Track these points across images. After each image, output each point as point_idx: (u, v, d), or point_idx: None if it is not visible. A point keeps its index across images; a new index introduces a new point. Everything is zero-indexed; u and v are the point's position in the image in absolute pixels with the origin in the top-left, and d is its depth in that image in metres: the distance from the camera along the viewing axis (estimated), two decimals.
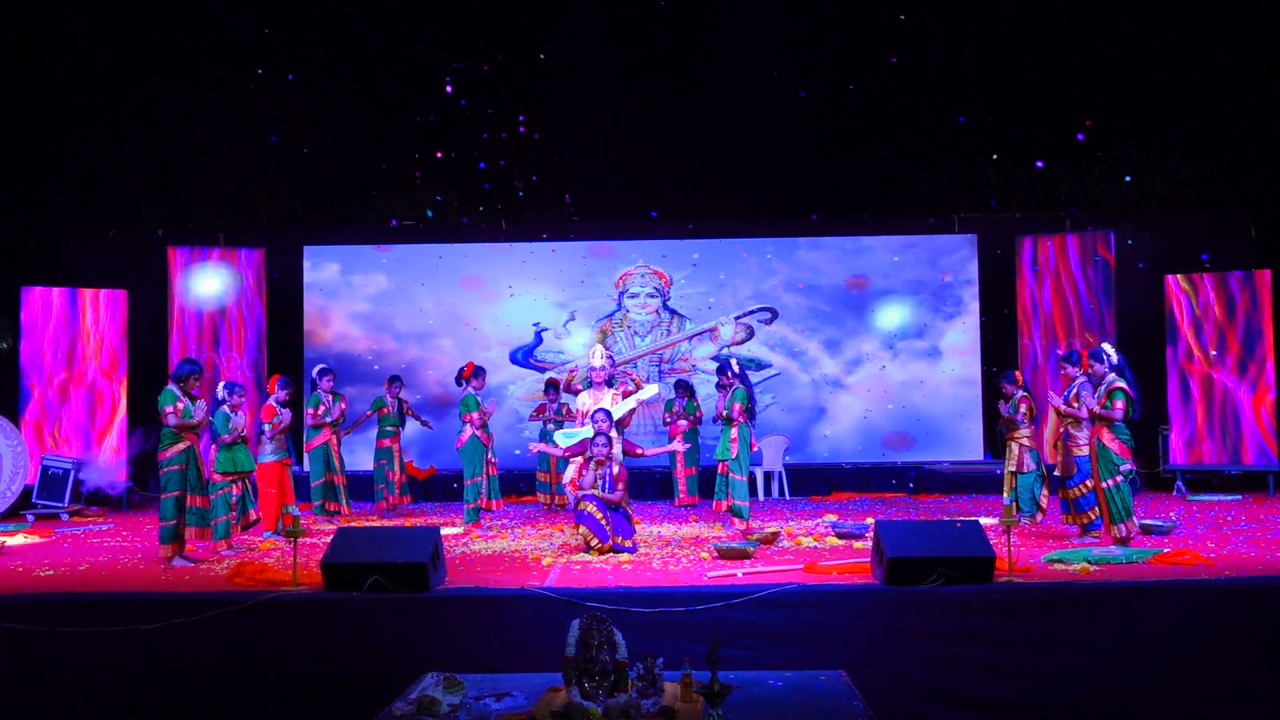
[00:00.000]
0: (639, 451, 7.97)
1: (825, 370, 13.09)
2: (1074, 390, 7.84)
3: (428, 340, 13.11)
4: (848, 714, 4.05)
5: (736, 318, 13.32)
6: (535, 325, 13.22)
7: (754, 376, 12.82)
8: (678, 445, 8.84)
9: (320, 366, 10.04)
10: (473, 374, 9.33)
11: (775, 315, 13.26)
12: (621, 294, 13.35)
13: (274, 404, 8.89)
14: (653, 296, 13.38)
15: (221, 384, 8.15)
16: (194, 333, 12.31)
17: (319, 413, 9.68)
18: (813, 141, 16.56)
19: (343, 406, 9.97)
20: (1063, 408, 7.78)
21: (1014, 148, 15.94)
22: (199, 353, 12.11)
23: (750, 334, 13.29)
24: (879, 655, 5.42)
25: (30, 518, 10.34)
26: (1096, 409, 7.23)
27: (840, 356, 13.10)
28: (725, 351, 12.91)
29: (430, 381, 12.91)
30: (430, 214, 14.57)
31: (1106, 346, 7.36)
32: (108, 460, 11.58)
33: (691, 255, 13.24)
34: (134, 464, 11.59)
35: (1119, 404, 7.06)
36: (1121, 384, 7.12)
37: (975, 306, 13.03)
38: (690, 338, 13.32)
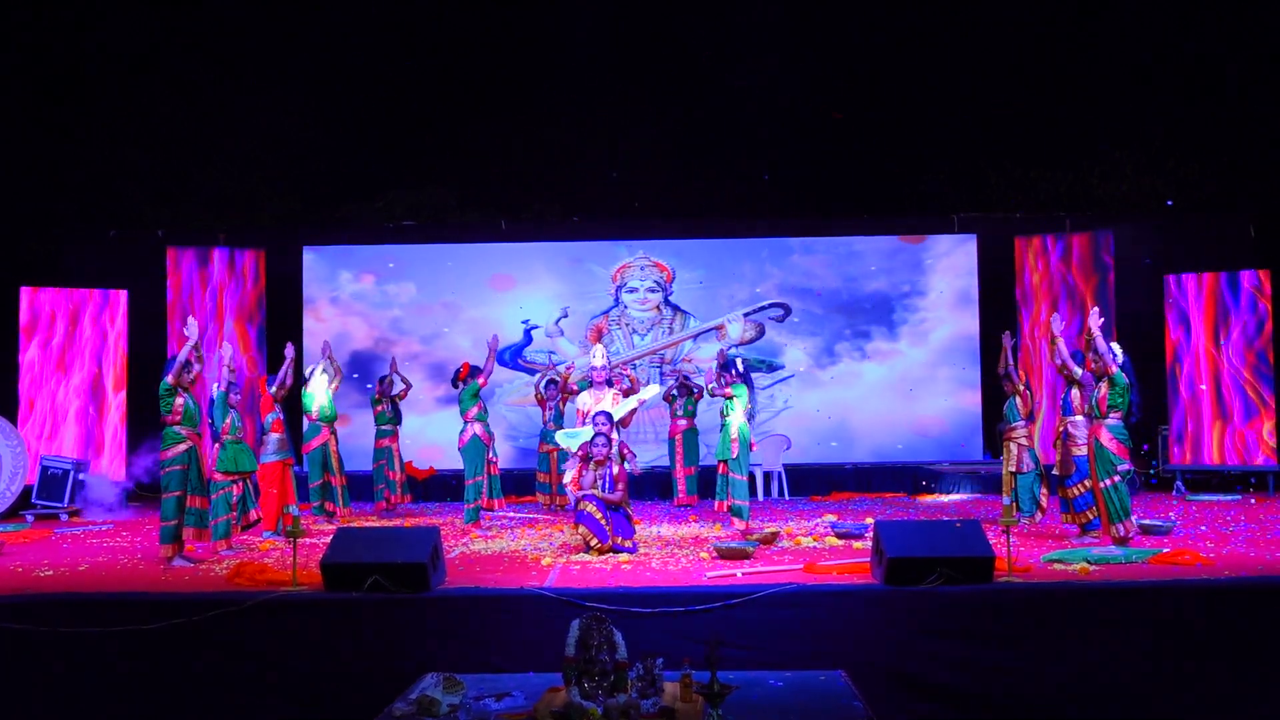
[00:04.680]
0: (625, 454, 7.93)
1: (823, 370, 13.07)
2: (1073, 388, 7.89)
3: (426, 339, 13.11)
4: (847, 714, 4.05)
5: (745, 314, 13.10)
6: (525, 323, 13.08)
7: (766, 379, 12.78)
8: (632, 469, 8.09)
9: (313, 367, 10.05)
10: (469, 374, 9.33)
11: (788, 312, 13.07)
12: (619, 288, 13.16)
13: (270, 397, 8.94)
14: (653, 291, 13.13)
15: (218, 383, 8.16)
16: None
17: (314, 413, 9.66)
18: (812, 141, 16.57)
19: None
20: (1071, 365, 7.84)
21: (1014, 148, 15.96)
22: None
23: (761, 332, 13.10)
24: (879, 655, 5.42)
25: (30, 518, 10.34)
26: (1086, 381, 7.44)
27: (838, 356, 13.09)
28: (732, 351, 12.73)
29: (429, 380, 12.91)
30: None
31: (1115, 346, 7.37)
32: (108, 461, 11.59)
33: (692, 255, 13.19)
34: (134, 465, 11.61)
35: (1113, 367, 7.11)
36: (1119, 376, 7.14)
37: (975, 306, 13.03)
38: (695, 336, 13.10)
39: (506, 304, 13.12)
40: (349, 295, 13.10)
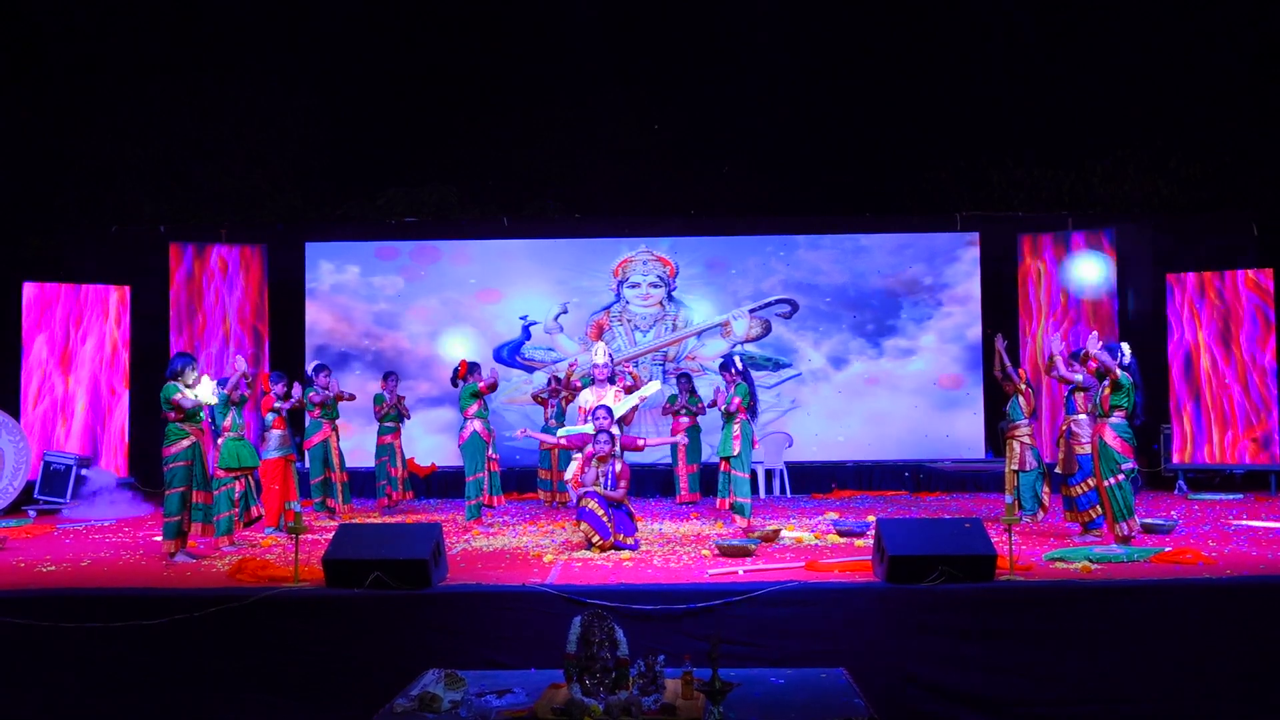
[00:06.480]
0: (640, 444, 7.94)
1: (825, 368, 13.05)
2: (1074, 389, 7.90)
3: (428, 336, 13.10)
4: (848, 712, 4.05)
5: (751, 310, 13.00)
6: (523, 319, 13.02)
7: (772, 377, 12.73)
8: (679, 438, 8.83)
9: (316, 363, 10.04)
10: (468, 372, 9.32)
11: (795, 308, 12.98)
12: (621, 284, 13.08)
13: (272, 396, 8.95)
14: (656, 286, 13.00)
15: (218, 380, 8.16)
16: (194, 329, 12.33)
17: (316, 410, 9.66)
18: (814, 139, 16.57)
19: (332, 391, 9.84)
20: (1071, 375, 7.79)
21: (1017, 147, 15.96)
22: (195, 348, 12.14)
23: (767, 329, 13.04)
24: (880, 653, 5.42)
25: (32, 513, 10.35)
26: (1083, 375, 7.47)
27: (840, 355, 13.06)
28: (737, 348, 12.66)
29: (430, 377, 12.90)
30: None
31: (1124, 346, 7.37)
32: (110, 457, 11.60)
33: (694, 253, 13.15)
34: (137, 460, 11.64)
35: (1116, 371, 7.09)
36: (1124, 378, 7.13)
37: (977, 305, 13.02)
38: (699, 333, 13.02)
39: (505, 301, 13.08)
40: (336, 288, 13.06)
